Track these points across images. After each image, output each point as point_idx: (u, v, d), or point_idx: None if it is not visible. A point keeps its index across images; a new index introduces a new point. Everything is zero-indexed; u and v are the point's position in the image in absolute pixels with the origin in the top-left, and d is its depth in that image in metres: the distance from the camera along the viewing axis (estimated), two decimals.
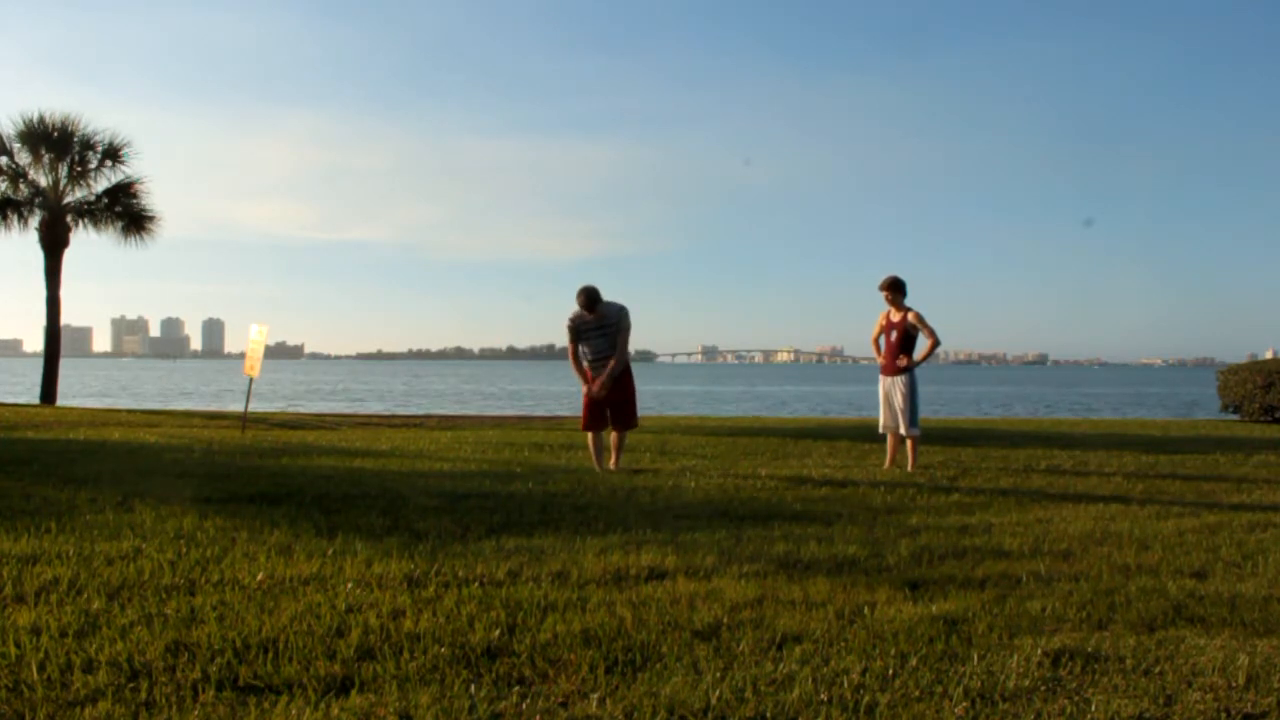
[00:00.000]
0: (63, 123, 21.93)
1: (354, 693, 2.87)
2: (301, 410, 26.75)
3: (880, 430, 9.26)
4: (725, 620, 3.68)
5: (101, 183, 22.56)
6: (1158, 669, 3.21)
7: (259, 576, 4.18)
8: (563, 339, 8.82)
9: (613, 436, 8.84)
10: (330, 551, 4.73)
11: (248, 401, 14.77)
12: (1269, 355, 31.39)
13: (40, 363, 23.42)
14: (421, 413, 25.37)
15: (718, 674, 3.09)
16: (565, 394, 46.59)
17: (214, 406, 27.41)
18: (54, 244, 22.01)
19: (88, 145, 22.18)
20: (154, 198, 24.12)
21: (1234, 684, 3.07)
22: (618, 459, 8.81)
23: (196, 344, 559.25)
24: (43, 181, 22.26)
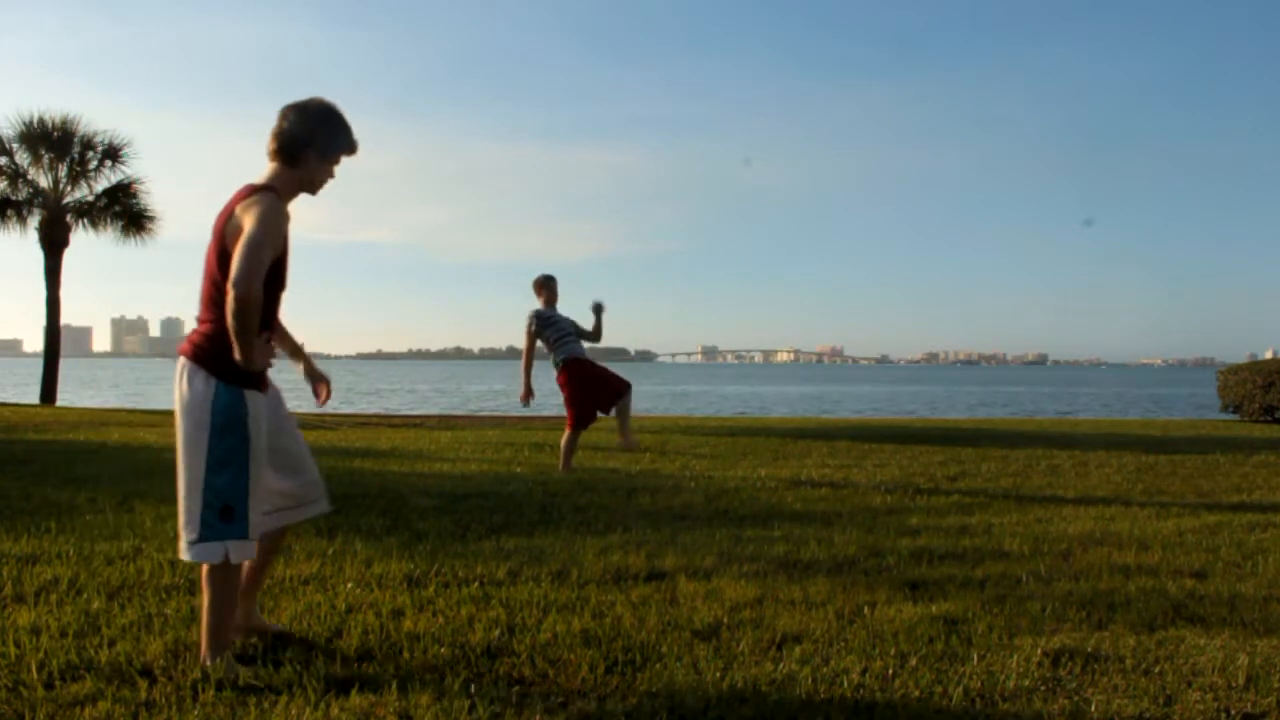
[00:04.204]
0: (62, 123, 21.94)
1: (354, 693, 2.87)
2: (302, 410, 26.75)
3: None
4: (725, 620, 3.68)
5: (101, 183, 22.59)
6: (1158, 669, 3.21)
7: None
8: None
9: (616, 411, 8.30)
10: (330, 551, 4.73)
11: None
12: (1269, 355, 31.38)
13: (40, 363, 23.43)
14: (423, 413, 25.35)
15: (718, 674, 3.09)
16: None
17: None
18: (54, 244, 22.03)
19: (87, 145, 22.19)
20: (155, 197, 24.16)
21: (1234, 684, 3.07)
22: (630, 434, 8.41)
23: None
24: (42, 181, 22.27)
